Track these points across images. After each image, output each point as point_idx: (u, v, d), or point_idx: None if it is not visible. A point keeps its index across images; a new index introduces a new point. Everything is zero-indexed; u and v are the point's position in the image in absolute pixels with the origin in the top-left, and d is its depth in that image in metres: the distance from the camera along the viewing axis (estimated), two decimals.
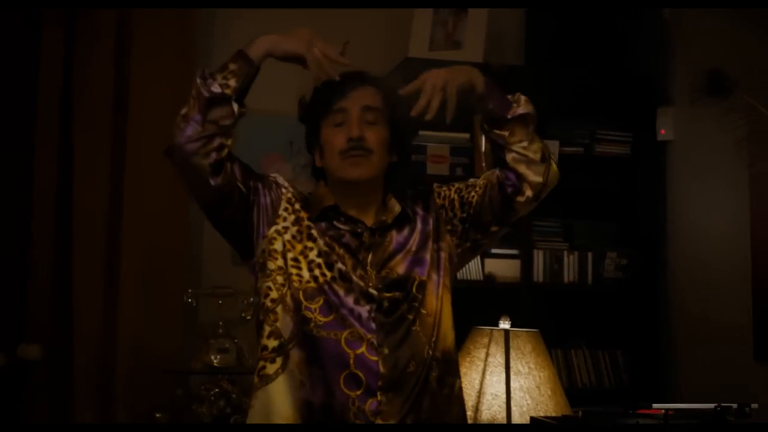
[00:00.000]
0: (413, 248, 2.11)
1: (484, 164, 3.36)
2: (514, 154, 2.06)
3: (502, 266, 3.45)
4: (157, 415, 3.06)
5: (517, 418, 2.71)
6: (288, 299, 2.01)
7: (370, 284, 2.02)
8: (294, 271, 2.02)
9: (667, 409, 2.11)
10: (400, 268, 2.07)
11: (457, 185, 2.20)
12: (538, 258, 3.48)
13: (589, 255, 3.52)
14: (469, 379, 2.78)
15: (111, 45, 3.29)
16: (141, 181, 3.21)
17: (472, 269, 3.41)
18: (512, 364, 2.77)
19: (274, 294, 2.01)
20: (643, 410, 2.15)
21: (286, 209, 2.07)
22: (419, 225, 2.14)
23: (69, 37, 3.27)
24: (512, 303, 3.20)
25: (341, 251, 2.05)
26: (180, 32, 3.39)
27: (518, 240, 3.46)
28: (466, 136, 3.41)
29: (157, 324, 3.21)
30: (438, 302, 2.07)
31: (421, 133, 3.34)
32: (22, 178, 3.16)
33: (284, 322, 1.99)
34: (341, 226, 2.06)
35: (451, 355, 2.09)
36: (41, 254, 3.14)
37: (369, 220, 2.10)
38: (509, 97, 2.06)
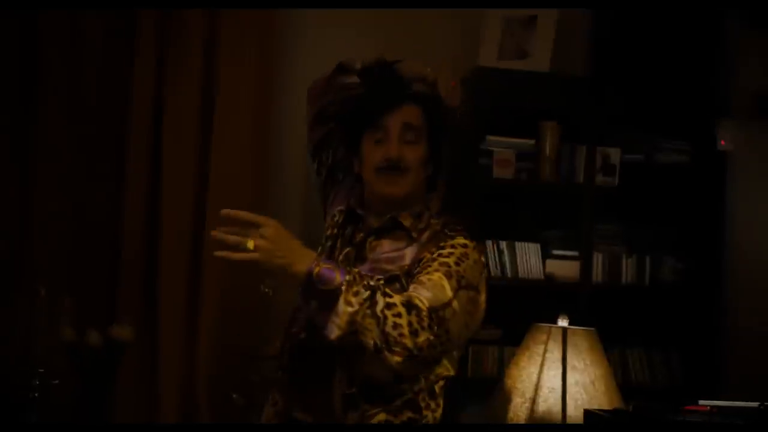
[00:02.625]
0: (385, 267, 2.12)
1: (548, 170, 3.50)
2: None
3: (563, 267, 3.54)
4: (234, 396, 3.27)
5: (572, 411, 2.84)
6: None
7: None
8: None
9: (712, 406, 2.22)
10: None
11: (433, 267, 2.08)
12: (598, 260, 3.56)
13: (648, 258, 3.59)
14: (528, 373, 2.92)
15: (200, 55, 3.43)
16: (225, 180, 3.38)
17: (534, 268, 3.52)
18: (569, 360, 2.89)
19: None
20: (690, 407, 2.26)
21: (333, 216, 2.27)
22: (413, 250, 2.14)
23: (160, 41, 3.43)
24: (571, 302, 3.29)
25: (342, 256, 2.17)
26: (262, 33, 3.50)
27: (579, 242, 3.56)
28: (532, 141, 3.52)
29: (236, 312, 3.41)
30: None
31: (488, 138, 3.46)
32: (117, 175, 3.36)
33: None
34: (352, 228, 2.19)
35: (378, 387, 2.07)
36: (132, 245, 3.33)
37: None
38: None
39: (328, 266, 1.90)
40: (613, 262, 3.58)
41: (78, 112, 3.37)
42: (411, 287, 2.01)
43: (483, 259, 2.16)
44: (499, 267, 3.48)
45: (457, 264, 2.04)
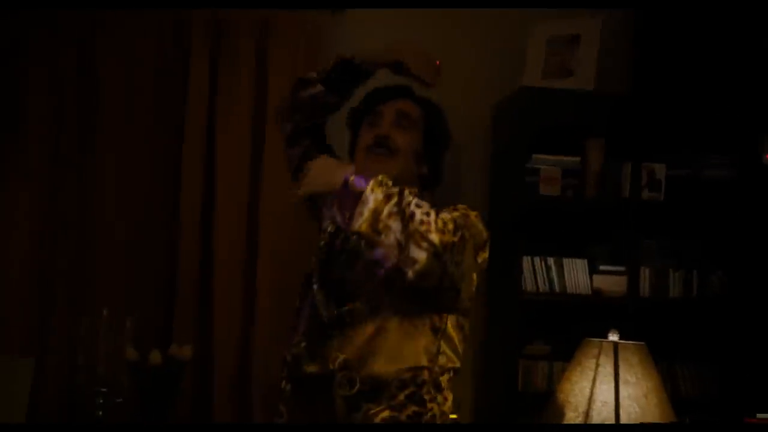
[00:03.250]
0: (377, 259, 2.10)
1: (594, 186, 3.54)
2: None
3: (610, 282, 3.55)
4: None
5: (626, 423, 2.87)
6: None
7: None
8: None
9: None
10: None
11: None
12: (644, 274, 3.57)
13: (695, 272, 3.61)
14: (580, 387, 2.97)
15: (251, 66, 3.52)
16: (277, 194, 3.43)
17: (581, 284, 3.54)
18: (621, 374, 2.95)
19: None
20: (750, 419, 2.32)
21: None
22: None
23: (214, 50, 3.53)
24: (618, 317, 3.32)
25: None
26: (309, 45, 3.59)
27: (625, 257, 3.59)
28: (577, 159, 3.55)
29: (289, 326, 3.49)
30: (376, 324, 2.10)
31: (534, 156, 3.51)
32: (173, 197, 3.47)
33: None
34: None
35: (382, 384, 2.08)
36: (187, 268, 3.44)
37: None
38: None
39: (362, 176, 2.02)
40: (660, 277, 3.60)
41: (134, 135, 3.49)
42: None
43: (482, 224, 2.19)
44: (546, 283, 3.51)
45: (460, 218, 2.10)
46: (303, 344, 2.12)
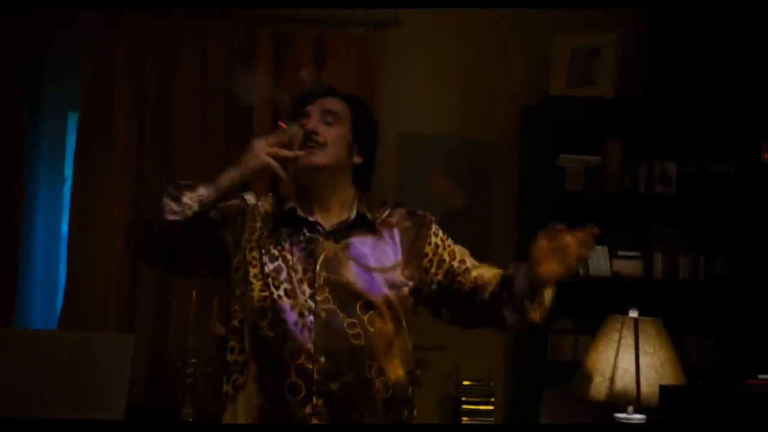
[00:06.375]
0: (371, 264, 2.12)
1: (613, 182, 3.84)
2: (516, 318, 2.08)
3: (627, 265, 3.88)
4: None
5: (645, 388, 3.27)
6: (248, 317, 2.09)
7: (313, 294, 2.05)
8: (248, 292, 2.09)
9: None
10: (350, 275, 2.09)
11: (455, 247, 2.21)
12: (658, 259, 3.87)
13: (702, 257, 3.88)
14: (605, 356, 3.35)
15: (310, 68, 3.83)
16: None
17: (602, 267, 3.85)
18: (640, 345, 3.32)
19: (239, 315, 2.11)
20: (752, 380, 2.70)
21: (252, 231, 2.13)
22: (386, 247, 2.15)
23: (276, 61, 3.87)
24: (634, 296, 3.57)
25: (293, 259, 2.09)
26: (361, 51, 3.92)
27: (641, 243, 3.91)
28: (598, 158, 3.85)
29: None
30: (393, 331, 2.09)
31: (561, 155, 3.83)
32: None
33: (245, 339, 2.09)
34: (300, 231, 2.12)
35: (403, 388, 2.10)
36: None
37: (330, 221, 2.15)
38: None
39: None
40: (672, 261, 3.88)
41: (209, 139, 3.85)
42: (476, 272, 2.15)
43: None
44: None
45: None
46: (321, 358, 2.04)
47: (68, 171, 3.96)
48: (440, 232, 2.23)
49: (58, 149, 4.03)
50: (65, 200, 3.97)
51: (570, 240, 1.99)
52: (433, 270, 2.17)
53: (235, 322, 2.12)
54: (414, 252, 2.17)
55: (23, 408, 3.19)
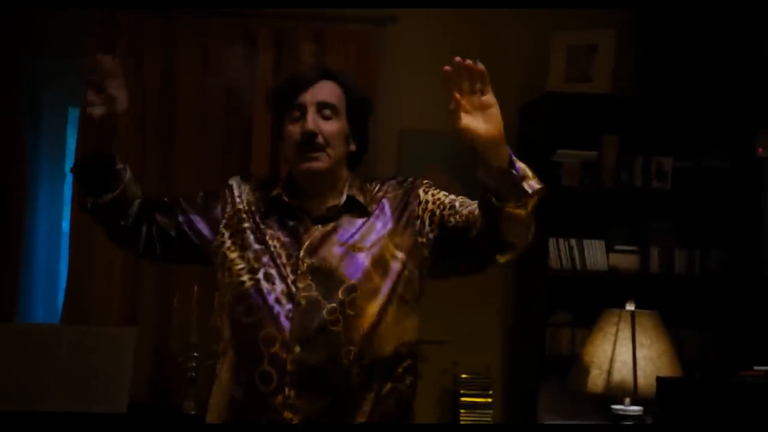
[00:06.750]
0: (357, 244, 2.03)
1: (609, 177, 3.88)
2: (511, 226, 1.88)
3: (624, 259, 3.91)
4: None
5: (642, 380, 3.31)
6: (226, 303, 2.05)
7: (295, 281, 1.98)
8: (227, 277, 2.04)
9: (765, 371, 2.71)
10: (334, 259, 2.00)
11: (445, 198, 2.08)
12: (654, 253, 3.90)
13: (697, 251, 3.91)
14: (603, 349, 3.40)
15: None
16: None
17: (599, 262, 3.89)
18: (637, 337, 3.36)
19: (220, 299, 2.08)
20: (746, 372, 2.76)
21: (231, 216, 2.08)
22: (375, 222, 2.06)
23: (276, 57, 3.92)
24: (631, 290, 3.60)
25: (278, 244, 2.02)
26: (361, 50, 3.97)
27: (637, 238, 3.95)
28: (595, 153, 3.90)
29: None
30: (378, 309, 1.98)
31: (558, 151, 3.87)
32: None
33: (225, 325, 2.05)
34: (287, 217, 2.05)
35: (386, 364, 2.00)
36: None
37: (320, 206, 2.07)
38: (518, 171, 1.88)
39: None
40: (667, 255, 3.92)
41: (208, 133, 3.89)
42: (467, 210, 2.01)
43: None
44: (569, 261, 3.88)
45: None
46: (296, 347, 1.95)
47: (68, 168, 3.99)
48: (431, 189, 2.12)
49: (58, 146, 4.06)
50: (66, 197, 4.01)
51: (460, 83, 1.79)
52: (426, 228, 2.07)
53: (218, 309, 2.09)
54: (405, 218, 2.08)
55: (26, 402, 3.23)
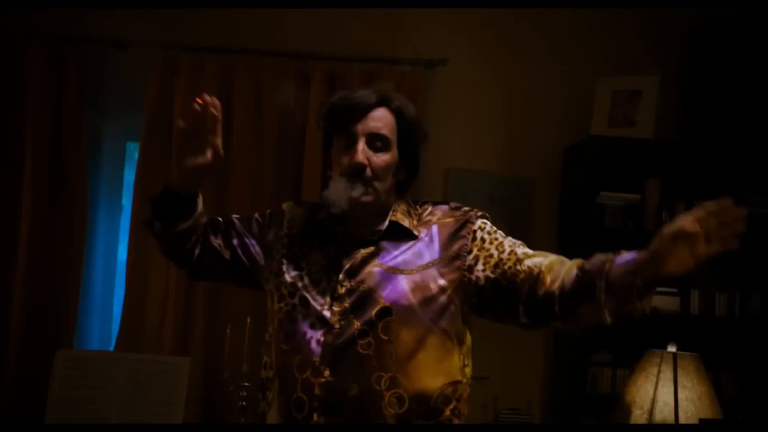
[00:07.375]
0: (399, 266, 1.97)
1: (651, 220, 3.93)
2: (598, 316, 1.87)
3: (665, 301, 3.94)
4: None
5: (683, 421, 3.35)
6: (273, 330, 2.02)
7: (332, 305, 1.93)
8: (270, 303, 2.03)
9: None
10: (372, 281, 1.95)
11: (503, 239, 2.00)
12: (694, 295, 3.96)
13: (737, 294, 3.95)
14: (645, 390, 3.45)
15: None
16: None
17: None
18: (679, 379, 3.41)
19: (269, 328, 2.05)
20: None
21: (280, 241, 2.07)
22: (421, 246, 1.99)
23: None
24: (671, 331, 3.65)
25: (318, 269, 1.99)
26: (412, 89, 4.01)
27: (678, 280, 3.96)
28: (638, 197, 3.96)
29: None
30: (415, 338, 1.91)
31: (602, 193, 3.94)
32: None
33: (272, 352, 2.01)
34: (330, 242, 2.02)
35: (429, 400, 1.92)
36: None
37: (363, 231, 2.02)
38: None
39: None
40: (708, 298, 3.97)
41: (262, 167, 4.02)
42: (530, 261, 1.93)
43: None
44: None
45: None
46: (326, 371, 1.90)
47: (125, 200, 4.14)
48: (488, 226, 2.03)
49: (116, 179, 4.21)
50: (122, 228, 4.14)
51: (707, 221, 1.76)
52: (479, 266, 1.96)
53: (267, 336, 2.04)
54: (454, 249, 1.99)
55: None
